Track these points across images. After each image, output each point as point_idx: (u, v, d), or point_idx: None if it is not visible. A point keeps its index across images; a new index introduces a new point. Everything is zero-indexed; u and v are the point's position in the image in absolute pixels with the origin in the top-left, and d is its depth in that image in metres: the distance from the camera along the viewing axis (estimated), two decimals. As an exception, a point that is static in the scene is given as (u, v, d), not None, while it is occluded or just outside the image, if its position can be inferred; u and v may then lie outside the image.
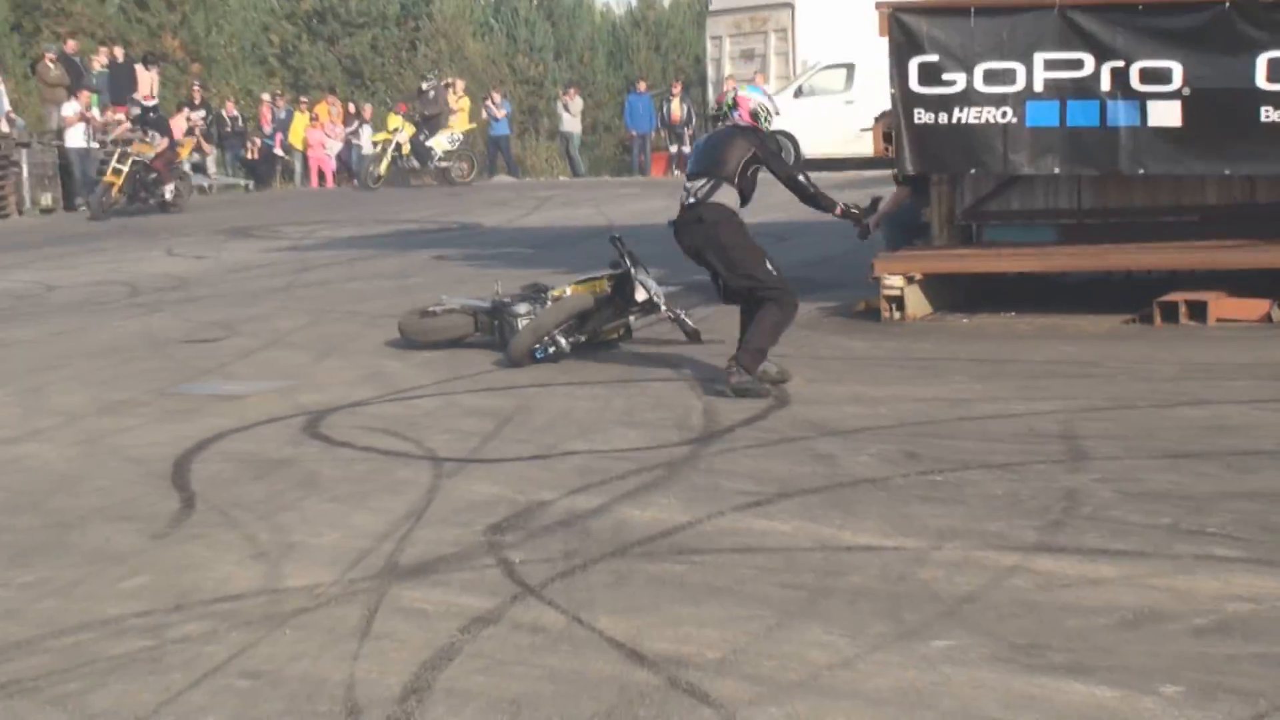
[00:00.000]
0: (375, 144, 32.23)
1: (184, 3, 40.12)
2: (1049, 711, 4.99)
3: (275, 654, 5.83)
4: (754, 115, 10.75)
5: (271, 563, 6.99)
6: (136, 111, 29.07)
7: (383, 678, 5.53)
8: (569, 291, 11.85)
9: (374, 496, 7.99)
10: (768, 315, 10.26)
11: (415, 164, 31.65)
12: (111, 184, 26.70)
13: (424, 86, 33.33)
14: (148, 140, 27.41)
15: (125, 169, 26.73)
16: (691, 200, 10.54)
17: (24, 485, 8.60)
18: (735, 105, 10.83)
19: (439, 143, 31.71)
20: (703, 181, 10.50)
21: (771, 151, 10.97)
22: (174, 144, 28.36)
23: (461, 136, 32.82)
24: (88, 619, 6.33)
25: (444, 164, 31.45)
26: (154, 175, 27.46)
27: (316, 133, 35.23)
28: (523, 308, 11.82)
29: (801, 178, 10.69)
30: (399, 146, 31.28)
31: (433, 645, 5.81)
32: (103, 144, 28.91)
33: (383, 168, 31.14)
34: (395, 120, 31.75)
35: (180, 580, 6.79)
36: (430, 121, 31.78)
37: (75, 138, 28.66)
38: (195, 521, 7.72)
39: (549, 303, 11.76)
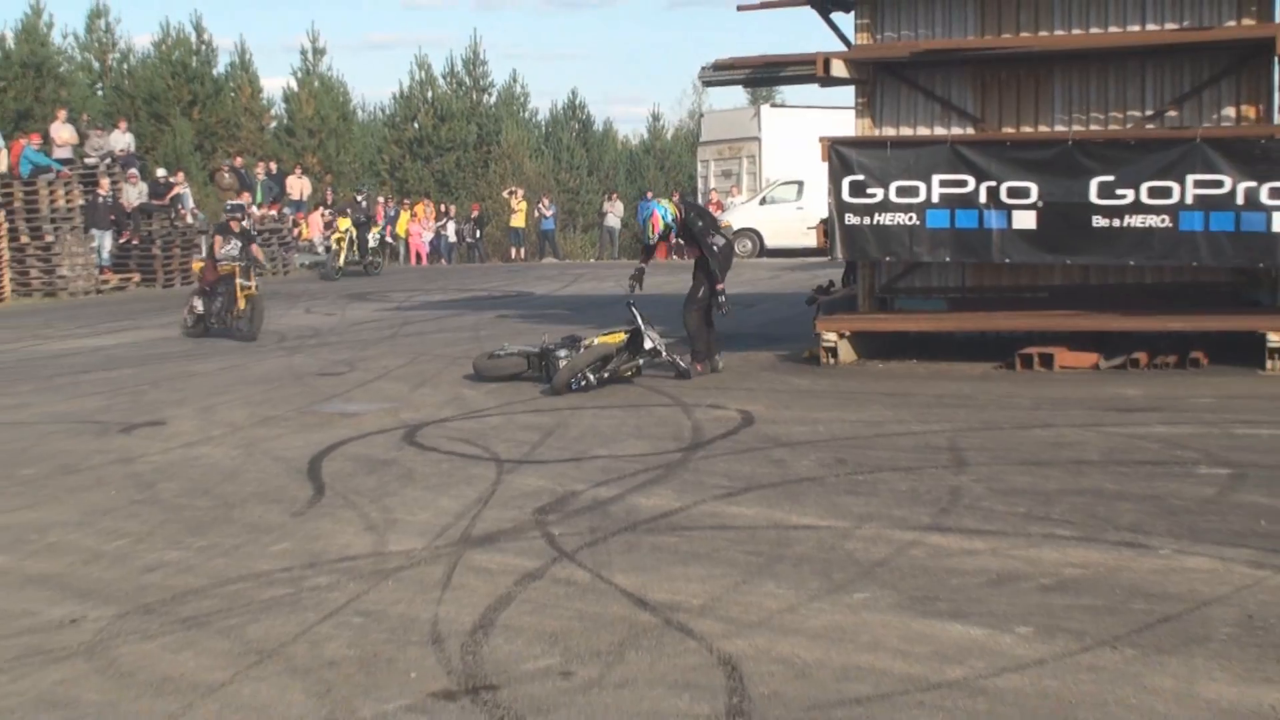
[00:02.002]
0: (333, 242, 29.01)
1: (320, 131, 40.29)
2: (936, 644, 5.02)
3: (381, 599, 5.88)
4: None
5: (379, 534, 7.03)
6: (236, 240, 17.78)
7: (458, 617, 5.57)
8: (596, 341, 11.88)
9: (454, 487, 8.03)
10: None
11: (357, 256, 28.75)
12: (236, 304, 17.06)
13: (359, 197, 31.52)
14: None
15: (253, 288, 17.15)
16: None
17: (200, 476, 8.66)
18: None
19: (370, 240, 29.50)
20: None
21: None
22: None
23: (380, 236, 30.65)
24: (245, 573, 6.39)
25: (369, 259, 29.05)
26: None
27: (415, 226, 35.31)
28: (563, 352, 11.85)
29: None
30: (352, 243, 28.61)
31: (495, 594, 5.85)
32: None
33: (341, 261, 28.33)
34: (345, 223, 29.06)
35: (313, 546, 6.84)
36: (365, 224, 29.60)
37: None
38: (324, 504, 7.77)
39: (582, 349, 11.78)
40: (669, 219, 12.33)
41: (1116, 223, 11.89)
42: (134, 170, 27.96)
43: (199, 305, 17.55)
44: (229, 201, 22.33)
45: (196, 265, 19.07)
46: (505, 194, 37.52)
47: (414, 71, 44.93)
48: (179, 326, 17.86)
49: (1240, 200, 11.56)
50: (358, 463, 8.87)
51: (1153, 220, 11.80)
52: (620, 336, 11.89)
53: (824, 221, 13.58)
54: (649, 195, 37.26)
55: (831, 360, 12.81)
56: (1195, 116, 12.52)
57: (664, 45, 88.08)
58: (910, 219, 12.51)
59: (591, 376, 11.51)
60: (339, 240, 28.77)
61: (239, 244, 17.50)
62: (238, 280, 16.99)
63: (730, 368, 12.57)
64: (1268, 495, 7.10)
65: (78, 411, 11.36)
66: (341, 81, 43.34)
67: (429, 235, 35.59)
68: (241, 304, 16.97)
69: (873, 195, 12.58)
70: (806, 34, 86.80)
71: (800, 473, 8.09)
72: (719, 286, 12.30)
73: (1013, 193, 12.19)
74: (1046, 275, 13.01)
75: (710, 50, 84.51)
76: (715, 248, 12.42)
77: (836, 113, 25.32)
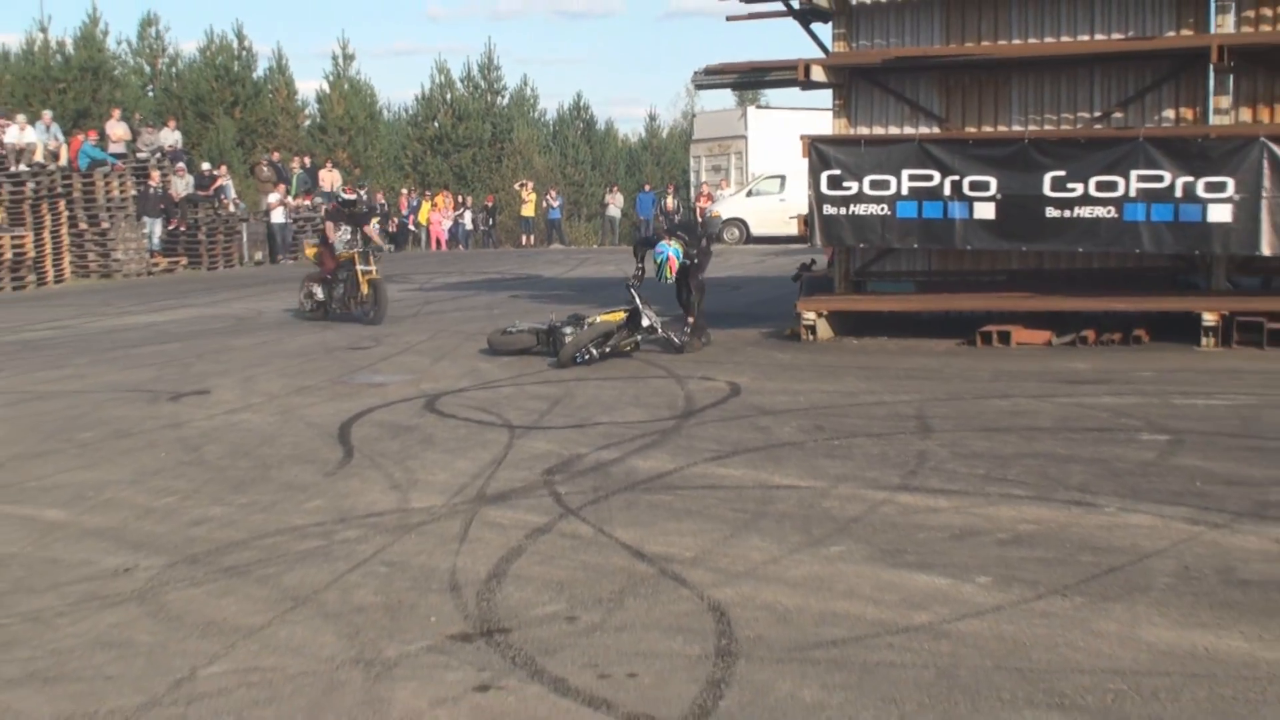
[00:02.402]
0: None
1: (350, 129, 40.08)
2: (905, 592, 5.02)
3: (405, 551, 5.87)
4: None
5: (402, 492, 7.02)
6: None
7: (474, 567, 5.56)
8: (599, 319, 11.87)
9: (470, 450, 8.02)
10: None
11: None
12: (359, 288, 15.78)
13: (361, 194, 31.35)
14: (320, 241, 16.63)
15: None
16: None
17: (241, 440, 8.64)
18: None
19: (370, 232, 29.07)
20: None
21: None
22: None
23: (378, 228, 30.09)
24: (282, 527, 6.38)
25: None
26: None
27: (436, 214, 35.23)
28: (568, 329, 11.84)
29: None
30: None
31: (507, 546, 5.84)
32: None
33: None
34: None
35: (343, 503, 6.83)
36: (365, 215, 29.26)
37: (277, 216, 28.55)
38: (353, 465, 7.76)
39: (586, 326, 11.77)
40: (681, 256, 12.40)
41: (1067, 213, 11.87)
42: (181, 164, 27.94)
43: (319, 292, 16.10)
44: (342, 196, 20.12)
45: (310, 251, 17.45)
46: (516, 186, 37.41)
47: (434, 75, 44.91)
48: (295, 310, 16.79)
49: (1179, 194, 11.54)
50: (383, 428, 8.86)
51: (1100, 211, 11.77)
52: (620, 315, 11.87)
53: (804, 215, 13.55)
54: (646, 188, 37.58)
55: (811, 337, 12.80)
56: (1139, 118, 12.49)
57: (660, 52, 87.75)
58: (882, 210, 12.48)
59: (594, 351, 11.50)
60: None
61: (350, 229, 15.78)
62: (358, 266, 15.58)
63: (719, 344, 12.56)
64: (1203, 459, 7.10)
65: (131, 381, 11.34)
66: (369, 84, 42.78)
67: (448, 223, 35.50)
68: (365, 289, 15.52)
69: (848, 188, 12.55)
70: (789, 42, 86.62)
71: (782, 438, 8.08)
72: (689, 319, 12.51)
73: (974, 186, 12.17)
74: (1004, 261, 12.98)
75: (702, 57, 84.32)
76: (701, 273, 12.69)
77: (815, 113, 25.22)
